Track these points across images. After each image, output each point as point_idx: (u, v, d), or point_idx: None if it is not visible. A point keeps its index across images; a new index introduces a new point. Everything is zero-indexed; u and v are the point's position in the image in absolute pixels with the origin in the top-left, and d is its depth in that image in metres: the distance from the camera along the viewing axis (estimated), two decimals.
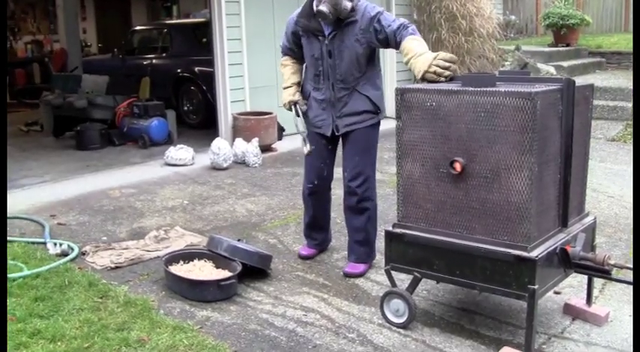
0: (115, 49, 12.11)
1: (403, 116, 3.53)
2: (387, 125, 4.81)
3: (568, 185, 3.43)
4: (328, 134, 4.34)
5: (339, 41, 4.15)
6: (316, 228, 4.70)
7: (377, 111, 4.31)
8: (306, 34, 4.28)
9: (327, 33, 4.18)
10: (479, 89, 3.25)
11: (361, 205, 4.34)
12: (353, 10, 4.11)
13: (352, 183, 4.30)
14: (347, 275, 4.37)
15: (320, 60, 4.24)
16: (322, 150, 4.43)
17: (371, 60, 4.27)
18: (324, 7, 4.05)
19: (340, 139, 4.42)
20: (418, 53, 3.83)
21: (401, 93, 3.53)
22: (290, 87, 4.47)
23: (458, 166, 3.32)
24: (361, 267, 4.40)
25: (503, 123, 3.18)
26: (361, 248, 4.41)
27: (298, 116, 4.45)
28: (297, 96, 4.43)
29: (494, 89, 3.22)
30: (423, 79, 3.72)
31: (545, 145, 3.23)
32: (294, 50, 4.44)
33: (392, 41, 4.07)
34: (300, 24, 4.28)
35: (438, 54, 3.73)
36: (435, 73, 3.66)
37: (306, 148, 4.44)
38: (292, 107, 4.44)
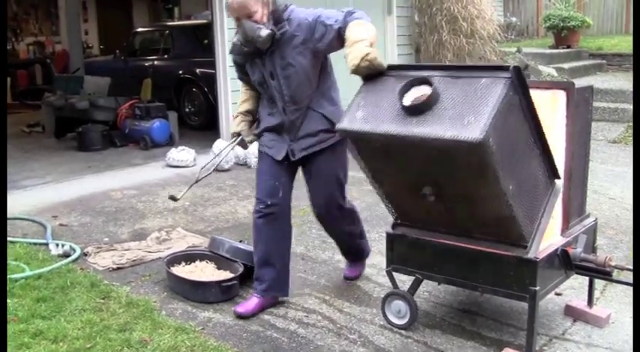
0: (117, 51, 12.13)
1: (354, 148, 3.32)
2: None
3: (547, 147, 3.22)
4: (279, 158, 3.83)
5: (279, 59, 3.63)
6: (265, 265, 3.92)
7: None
8: (244, 59, 3.80)
9: (262, 54, 3.67)
10: (422, 135, 2.90)
11: (334, 228, 4.14)
12: (282, 25, 3.59)
13: (319, 211, 3.99)
14: (347, 278, 4.37)
15: (264, 84, 3.75)
16: (272, 166, 3.86)
17: (323, 72, 3.78)
18: (235, 39, 3.69)
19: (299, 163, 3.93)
20: (353, 41, 3.37)
21: (343, 132, 3.28)
22: (236, 117, 4.04)
23: (430, 194, 3.16)
24: (357, 270, 4.38)
25: (460, 162, 2.94)
26: (349, 254, 4.36)
27: (245, 148, 4.09)
28: (241, 127, 3.96)
29: (439, 135, 2.85)
30: (356, 73, 3.34)
31: (514, 150, 3.02)
32: (244, 78, 3.96)
33: (343, 35, 3.51)
34: (235, 51, 3.81)
35: (370, 53, 3.27)
36: (367, 68, 3.28)
37: (181, 193, 4.17)
38: (235, 138, 3.99)
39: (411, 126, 2.97)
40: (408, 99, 3.04)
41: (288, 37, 3.61)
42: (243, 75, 3.92)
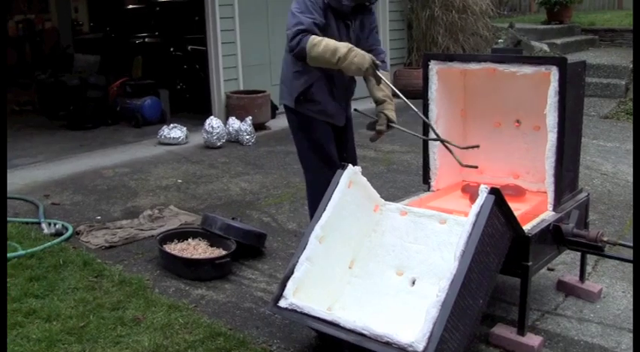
0: (107, 28, 12.02)
1: None
2: None
3: None
4: (341, 124, 3.94)
5: (359, 30, 3.81)
6: None
7: None
8: (335, 17, 3.68)
9: (353, 19, 3.75)
10: None
11: None
12: None
13: None
14: None
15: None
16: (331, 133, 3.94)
17: None
18: None
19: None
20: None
21: None
22: (350, 48, 3.50)
23: None
24: None
25: None
26: None
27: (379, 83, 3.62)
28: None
29: None
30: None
31: None
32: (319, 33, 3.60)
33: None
34: (333, 4, 3.63)
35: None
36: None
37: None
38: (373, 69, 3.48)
39: None
40: None
41: (370, 12, 3.86)
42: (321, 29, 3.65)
